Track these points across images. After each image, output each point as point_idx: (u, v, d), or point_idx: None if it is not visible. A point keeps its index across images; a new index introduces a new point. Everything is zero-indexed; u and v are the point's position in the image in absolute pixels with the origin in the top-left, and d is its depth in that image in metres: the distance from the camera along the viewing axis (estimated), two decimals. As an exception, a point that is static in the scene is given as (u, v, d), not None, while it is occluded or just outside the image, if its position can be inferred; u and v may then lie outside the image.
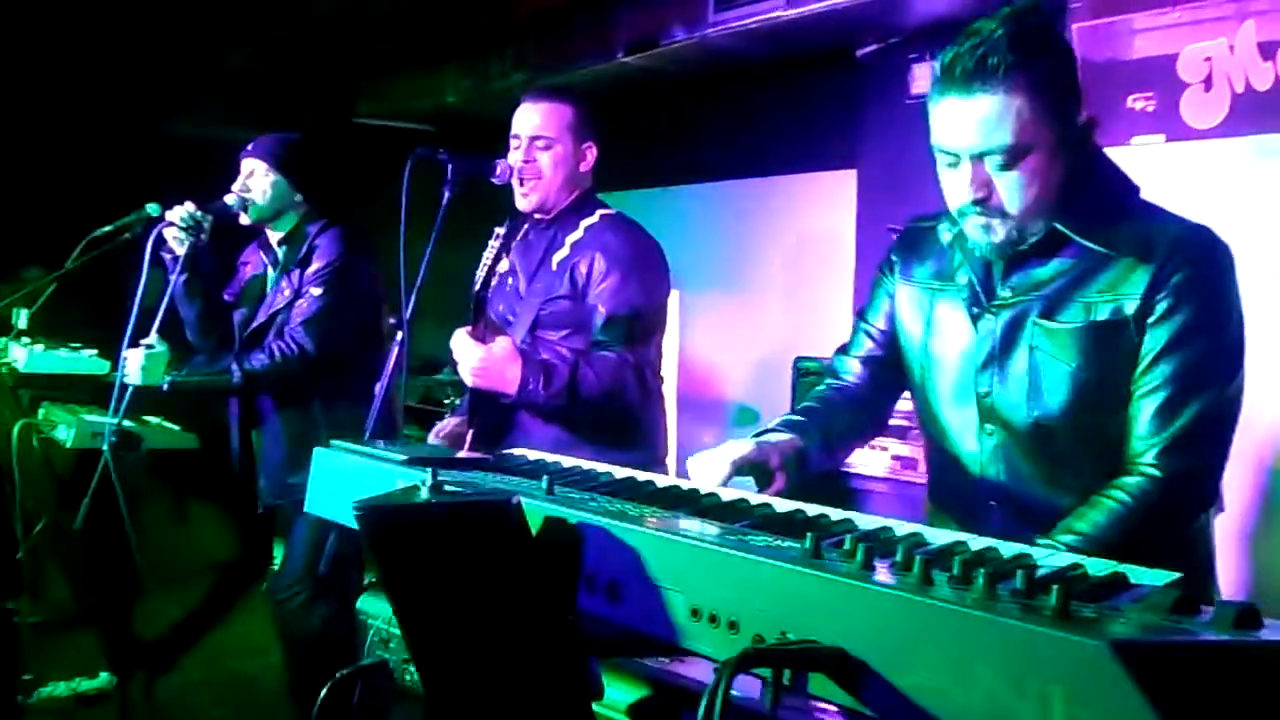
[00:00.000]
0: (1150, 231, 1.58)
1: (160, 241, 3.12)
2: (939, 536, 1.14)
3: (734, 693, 0.84)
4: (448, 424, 2.76)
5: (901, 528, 1.18)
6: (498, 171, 2.64)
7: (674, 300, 4.92)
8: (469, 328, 2.52)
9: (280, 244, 3.34)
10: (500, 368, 2.45)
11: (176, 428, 3.45)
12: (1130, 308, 1.54)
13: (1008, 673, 0.76)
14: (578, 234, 2.64)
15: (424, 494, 1.05)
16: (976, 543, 1.10)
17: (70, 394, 3.62)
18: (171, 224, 3.11)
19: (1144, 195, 1.68)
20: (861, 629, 0.87)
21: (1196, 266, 1.54)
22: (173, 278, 3.17)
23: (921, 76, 4.14)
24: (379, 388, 2.51)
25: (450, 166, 2.54)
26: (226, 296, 3.45)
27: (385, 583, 1.05)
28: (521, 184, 2.65)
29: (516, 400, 2.49)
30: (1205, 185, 3.53)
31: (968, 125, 1.51)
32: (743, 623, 0.94)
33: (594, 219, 2.67)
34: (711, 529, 1.09)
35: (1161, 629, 0.79)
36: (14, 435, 3.38)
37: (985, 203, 1.55)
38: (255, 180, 3.28)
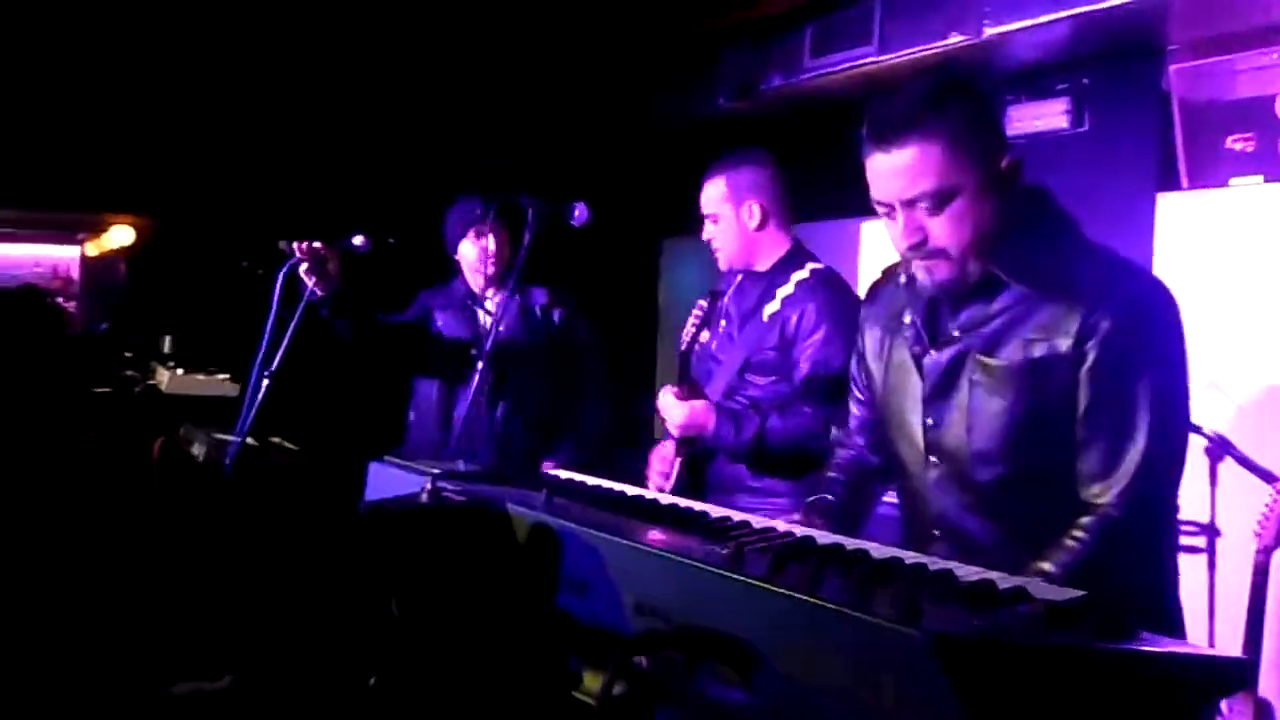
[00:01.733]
0: (1084, 274, 1.65)
1: (295, 276, 3.42)
2: (884, 552, 1.25)
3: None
4: (665, 447, 2.99)
5: (850, 543, 1.29)
6: (575, 214, 2.84)
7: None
8: (675, 388, 2.81)
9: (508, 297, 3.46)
10: (700, 422, 2.75)
11: (295, 448, 3.75)
12: (1064, 347, 1.61)
13: (854, 661, 0.88)
14: (789, 288, 2.83)
15: (424, 499, 1.23)
16: (911, 559, 1.21)
17: (206, 414, 3.98)
18: (302, 261, 3.40)
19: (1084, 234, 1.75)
20: (764, 623, 1.00)
21: (1127, 312, 1.60)
22: (301, 306, 3.42)
23: (1017, 118, 4.17)
24: (457, 415, 2.73)
25: (530, 211, 2.77)
26: (395, 317, 3.70)
27: (386, 572, 1.23)
28: (714, 252, 2.93)
29: (710, 443, 2.78)
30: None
31: (893, 176, 1.62)
32: (672, 617, 1.08)
33: (805, 274, 2.85)
34: (667, 536, 1.23)
35: (1000, 629, 0.90)
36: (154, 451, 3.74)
37: (922, 246, 1.65)
38: (488, 243, 3.49)
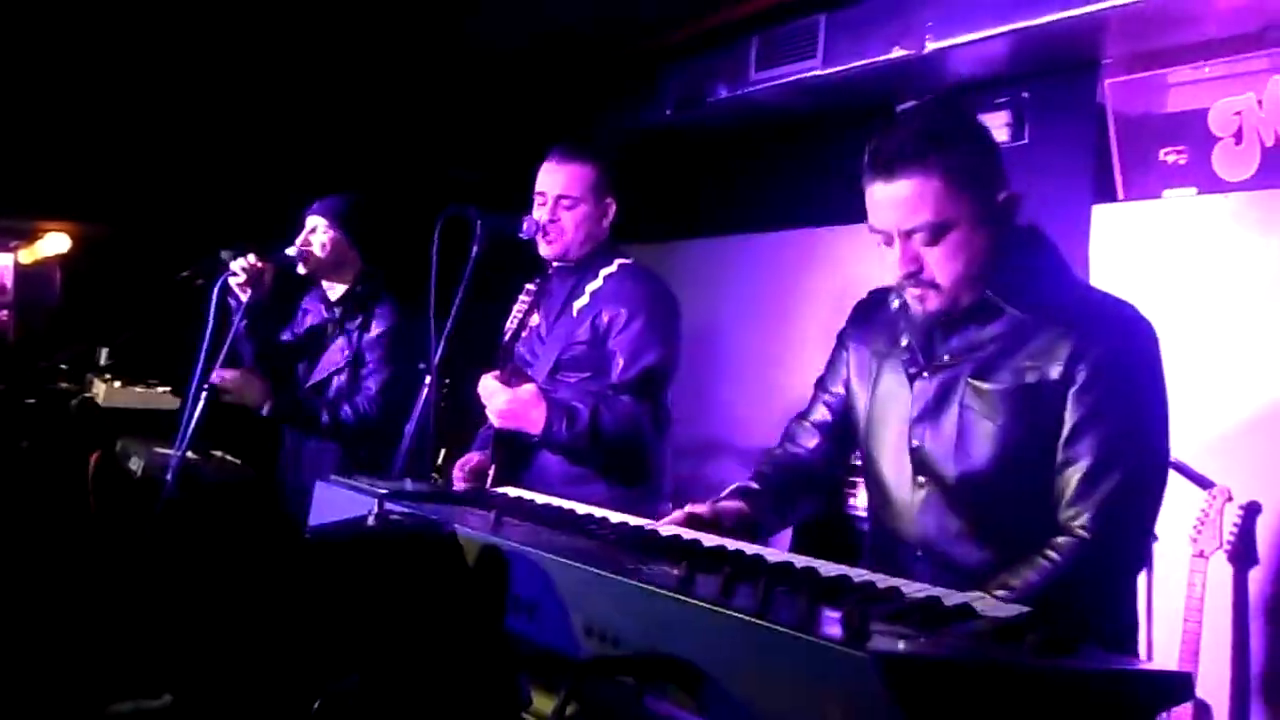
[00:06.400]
0: (1075, 305, 1.71)
1: (226, 288, 3.38)
2: (832, 570, 1.26)
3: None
4: (472, 458, 2.91)
5: (799, 561, 1.30)
6: (524, 228, 2.83)
7: (711, 346, 5.07)
8: (495, 372, 2.68)
9: (338, 302, 3.56)
10: (525, 410, 2.63)
11: (238, 461, 3.69)
12: (1054, 373, 1.65)
13: (805, 683, 0.89)
14: (597, 283, 2.83)
15: (370, 521, 1.21)
16: (859, 576, 1.22)
17: (144, 428, 3.90)
18: (235, 273, 3.36)
19: (1079, 272, 1.80)
20: (715, 646, 1.00)
21: (1116, 341, 1.66)
22: (234, 320, 3.40)
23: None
24: (408, 428, 2.69)
25: (479, 223, 2.74)
26: (286, 336, 3.69)
27: (329, 600, 1.21)
28: (546, 236, 2.82)
29: (541, 440, 2.66)
30: (1237, 237, 3.57)
31: (892, 206, 1.66)
32: (622, 639, 1.08)
33: (613, 268, 2.85)
34: (616, 557, 1.23)
35: (946, 647, 0.91)
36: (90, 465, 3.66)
37: (916, 276, 1.69)
38: (315, 236, 3.51)
